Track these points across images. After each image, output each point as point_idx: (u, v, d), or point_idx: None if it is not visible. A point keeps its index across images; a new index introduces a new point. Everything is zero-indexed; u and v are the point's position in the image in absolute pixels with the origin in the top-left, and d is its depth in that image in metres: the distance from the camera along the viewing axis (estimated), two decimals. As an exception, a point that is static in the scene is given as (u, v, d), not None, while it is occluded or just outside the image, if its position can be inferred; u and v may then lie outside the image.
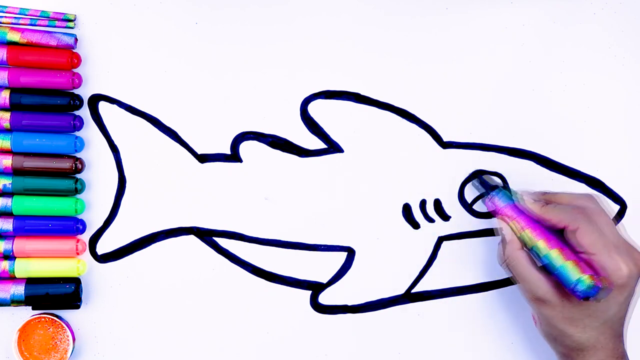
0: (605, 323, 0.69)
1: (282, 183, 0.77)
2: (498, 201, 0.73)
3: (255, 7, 0.77)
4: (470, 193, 0.78)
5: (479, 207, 0.78)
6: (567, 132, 0.78)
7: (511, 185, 0.77)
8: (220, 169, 0.77)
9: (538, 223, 0.71)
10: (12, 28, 0.74)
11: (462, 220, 0.78)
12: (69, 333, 0.75)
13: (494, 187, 0.74)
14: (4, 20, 0.74)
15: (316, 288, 0.78)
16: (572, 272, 0.67)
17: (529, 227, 0.70)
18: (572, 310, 0.69)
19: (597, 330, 0.69)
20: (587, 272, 0.67)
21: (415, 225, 0.78)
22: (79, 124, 0.75)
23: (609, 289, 0.67)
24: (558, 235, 0.70)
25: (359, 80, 0.77)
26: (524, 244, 0.71)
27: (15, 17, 0.74)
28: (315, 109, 0.77)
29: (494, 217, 0.74)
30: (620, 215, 0.79)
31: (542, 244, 0.69)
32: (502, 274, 0.78)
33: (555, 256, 0.68)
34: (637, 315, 0.77)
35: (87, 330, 0.76)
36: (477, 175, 0.77)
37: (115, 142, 0.76)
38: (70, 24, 0.75)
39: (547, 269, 0.69)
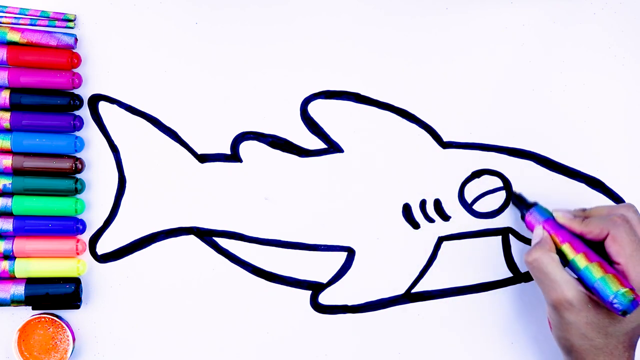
0: (627, 333, 0.69)
1: (282, 183, 0.77)
2: (536, 217, 0.73)
3: (255, 7, 0.77)
4: (471, 193, 0.78)
5: (479, 207, 0.78)
6: (567, 132, 0.78)
7: (513, 185, 0.78)
8: (220, 169, 0.77)
9: (577, 238, 0.71)
10: (12, 28, 0.74)
11: (462, 220, 0.78)
12: (69, 333, 0.75)
13: (533, 204, 0.74)
14: (4, 20, 0.74)
15: (316, 288, 0.78)
16: (613, 285, 0.67)
17: (567, 242, 0.70)
18: (598, 317, 0.68)
19: (617, 339, 0.69)
20: (627, 286, 0.67)
21: (415, 225, 0.78)
22: (79, 124, 0.75)
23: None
24: (596, 250, 0.70)
25: (359, 80, 0.77)
26: (561, 258, 0.70)
27: (15, 17, 0.74)
28: (315, 109, 0.77)
29: (531, 230, 0.73)
30: (620, 215, 0.79)
31: (581, 257, 0.69)
32: (503, 274, 0.78)
33: (595, 269, 0.68)
34: None
35: (87, 330, 0.76)
36: (515, 193, 0.77)
37: (115, 142, 0.76)
38: (70, 24, 0.75)
39: (584, 281, 0.69)
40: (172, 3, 0.76)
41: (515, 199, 0.77)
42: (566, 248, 0.70)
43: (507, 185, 0.78)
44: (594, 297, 0.68)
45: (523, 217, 0.75)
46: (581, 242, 0.70)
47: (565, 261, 0.70)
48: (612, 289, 0.67)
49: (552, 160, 0.78)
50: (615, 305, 0.66)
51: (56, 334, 0.75)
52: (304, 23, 0.77)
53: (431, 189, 0.78)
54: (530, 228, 0.74)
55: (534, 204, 0.75)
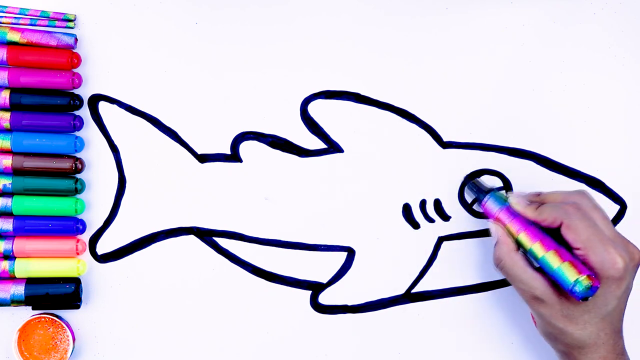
0: (604, 319, 0.69)
1: (282, 183, 0.77)
2: (491, 205, 0.73)
3: (255, 7, 0.77)
4: (471, 193, 0.78)
5: (478, 207, 0.78)
6: (567, 132, 0.78)
7: (512, 185, 0.78)
8: (220, 169, 0.77)
9: (533, 225, 0.71)
10: (12, 28, 0.74)
11: (462, 220, 0.78)
12: (69, 333, 0.75)
13: (488, 191, 0.74)
14: (4, 20, 0.74)
15: (316, 288, 0.78)
16: (570, 273, 0.67)
17: (523, 230, 0.70)
18: (571, 308, 0.69)
19: (597, 326, 0.69)
20: (584, 273, 0.67)
21: (415, 225, 0.78)
22: (79, 124, 0.75)
23: (612, 283, 0.67)
24: (553, 236, 0.70)
25: (359, 80, 0.77)
26: (519, 247, 0.71)
27: (15, 17, 0.74)
28: (315, 109, 0.77)
29: (490, 218, 0.73)
30: (620, 215, 0.79)
31: (537, 247, 0.69)
32: (502, 274, 0.78)
33: (552, 258, 0.68)
34: (636, 313, 0.77)
35: (87, 330, 0.76)
36: (470, 180, 0.77)
37: (115, 142, 0.76)
38: (70, 24, 0.75)
39: (545, 271, 0.69)
40: (172, 3, 0.76)
41: (471, 186, 0.76)
42: (522, 237, 0.70)
43: (507, 185, 0.78)
44: (562, 289, 0.68)
45: (479, 204, 0.74)
46: (537, 229, 0.70)
47: (523, 250, 0.70)
48: (569, 277, 0.67)
49: (552, 160, 0.78)
50: (575, 293, 0.67)
51: (56, 334, 0.75)
52: (304, 23, 0.77)
53: (431, 189, 0.78)
54: (488, 215, 0.73)
55: (490, 191, 0.74)
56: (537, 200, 0.72)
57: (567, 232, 0.69)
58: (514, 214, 0.71)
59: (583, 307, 0.68)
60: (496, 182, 0.77)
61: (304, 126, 0.77)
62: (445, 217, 0.78)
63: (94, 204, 0.76)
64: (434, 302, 0.78)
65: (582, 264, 0.68)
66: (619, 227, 0.78)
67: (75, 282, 0.75)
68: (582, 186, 0.78)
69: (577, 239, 0.68)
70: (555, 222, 0.70)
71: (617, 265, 0.67)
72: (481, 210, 0.77)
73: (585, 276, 0.67)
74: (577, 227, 0.68)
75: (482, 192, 0.75)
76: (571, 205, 0.70)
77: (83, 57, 0.75)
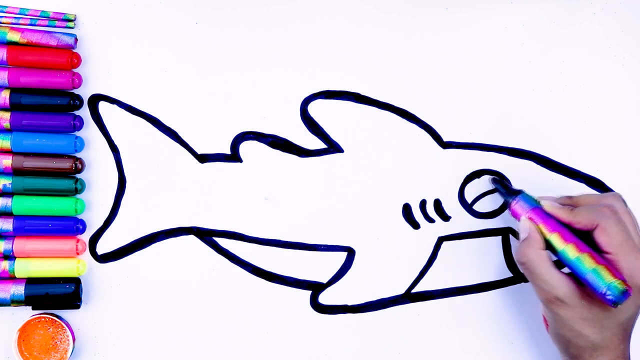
0: (621, 325, 0.69)
1: (282, 183, 0.77)
2: (522, 205, 0.72)
3: (255, 7, 0.77)
4: (471, 193, 0.78)
5: (479, 207, 0.78)
6: (567, 132, 0.78)
7: (512, 185, 0.78)
8: (220, 169, 0.77)
9: (565, 227, 0.70)
10: (12, 28, 0.74)
11: (462, 220, 0.78)
12: (69, 333, 0.75)
13: (518, 192, 0.74)
14: (4, 20, 0.74)
15: (316, 288, 0.78)
16: (604, 276, 0.67)
17: (557, 231, 0.70)
18: (591, 311, 0.68)
19: (613, 331, 0.69)
20: (618, 277, 0.67)
21: (415, 225, 0.78)
22: (79, 124, 0.75)
23: (636, 293, 0.67)
24: (583, 239, 0.70)
25: (359, 80, 0.77)
26: (548, 248, 0.70)
27: (15, 17, 0.74)
28: (315, 109, 0.77)
29: (517, 220, 0.73)
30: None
31: (571, 247, 0.69)
32: (503, 274, 0.78)
33: (586, 259, 0.68)
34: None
35: (87, 330, 0.76)
36: (495, 178, 0.77)
37: (115, 142, 0.76)
38: (70, 24, 0.75)
39: (575, 273, 0.69)
40: (172, 3, 0.76)
41: (499, 186, 0.76)
42: (555, 238, 0.70)
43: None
44: (586, 292, 0.68)
45: (508, 206, 0.74)
46: (569, 231, 0.70)
47: (553, 251, 0.70)
48: (604, 280, 0.67)
49: (552, 160, 0.78)
50: (608, 297, 0.66)
51: (56, 334, 0.75)
52: (303, 23, 0.77)
53: (431, 189, 0.78)
54: (516, 217, 0.73)
55: (520, 192, 0.74)
56: (569, 202, 0.72)
57: (600, 235, 0.69)
58: (546, 216, 0.71)
59: (604, 312, 0.68)
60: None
61: (304, 126, 0.77)
62: (445, 217, 0.78)
63: (94, 204, 0.76)
64: (434, 302, 0.78)
65: (614, 268, 0.68)
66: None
67: (75, 282, 0.75)
68: (582, 186, 0.78)
69: (610, 243, 0.68)
70: (589, 224, 0.69)
71: None
72: (483, 210, 0.78)
73: (620, 280, 0.66)
74: (611, 231, 0.68)
75: (511, 192, 0.74)
76: (607, 207, 0.69)
77: (83, 57, 0.75)
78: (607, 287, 0.66)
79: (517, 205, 0.73)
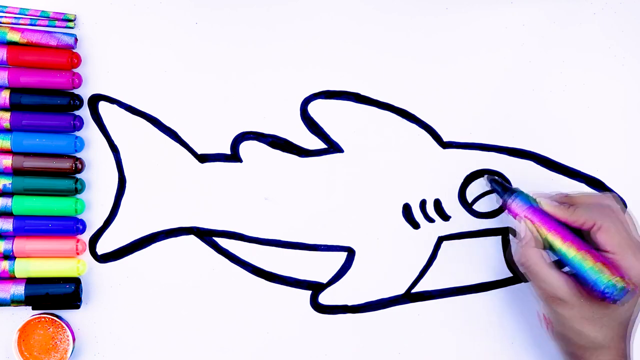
0: (622, 323, 0.69)
1: (282, 183, 0.77)
2: (519, 204, 0.72)
3: (255, 7, 0.77)
4: (471, 193, 0.78)
5: (479, 207, 0.78)
6: (567, 132, 0.78)
7: (512, 185, 0.78)
8: (220, 169, 0.77)
9: (563, 226, 0.70)
10: (12, 28, 0.74)
11: (462, 220, 0.78)
12: (69, 333, 0.75)
13: (514, 190, 0.74)
14: (4, 20, 0.74)
15: (316, 288, 0.78)
16: (604, 274, 0.67)
17: (554, 230, 0.70)
18: (592, 310, 0.68)
19: (613, 329, 0.69)
20: (617, 275, 0.67)
21: (415, 225, 0.78)
22: (79, 124, 0.75)
23: (634, 291, 0.67)
24: (581, 237, 0.70)
25: (359, 80, 0.77)
26: (547, 246, 0.70)
27: (15, 17, 0.74)
28: (315, 109, 0.77)
29: (514, 219, 0.73)
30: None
31: (570, 246, 0.69)
32: (503, 274, 0.78)
33: (585, 258, 0.68)
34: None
35: (87, 330, 0.76)
36: (491, 177, 0.76)
37: (115, 142, 0.76)
38: (70, 24, 0.75)
39: (574, 271, 0.69)
40: (172, 3, 0.76)
41: (495, 185, 0.75)
42: (552, 237, 0.70)
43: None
44: (585, 290, 0.68)
45: (505, 205, 0.74)
46: (567, 229, 0.70)
47: (552, 250, 0.70)
48: (603, 278, 0.67)
49: (552, 160, 0.78)
50: (608, 295, 0.66)
51: (56, 334, 0.75)
52: (304, 23, 0.77)
53: (431, 189, 0.78)
54: (513, 215, 0.73)
55: (516, 190, 0.73)
56: (566, 200, 0.72)
57: (600, 234, 0.69)
58: (543, 214, 0.71)
59: (604, 310, 0.68)
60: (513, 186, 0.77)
61: (304, 126, 0.77)
62: (445, 217, 0.78)
63: (94, 204, 0.76)
64: (434, 302, 0.78)
65: (613, 266, 0.68)
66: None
67: (75, 282, 0.75)
68: (582, 186, 0.78)
69: (609, 242, 0.68)
70: (587, 223, 0.69)
71: None
72: (483, 210, 0.78)
73: (619, 277, 0.66)
74: (611, 230, 0.68)
75: (507, 191, 0.74)
76: (606, 207, 0.70)
77: (83, 57, 0.75)
78: (606, 284, 0.66)
79: (514, 204, 0.73)
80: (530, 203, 0.72)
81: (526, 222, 0.71)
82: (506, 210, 0.74)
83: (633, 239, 0.69)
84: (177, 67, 0.76)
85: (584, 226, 0.70)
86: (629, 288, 0.66)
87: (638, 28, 0.79)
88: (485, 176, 0.77)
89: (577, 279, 0.69)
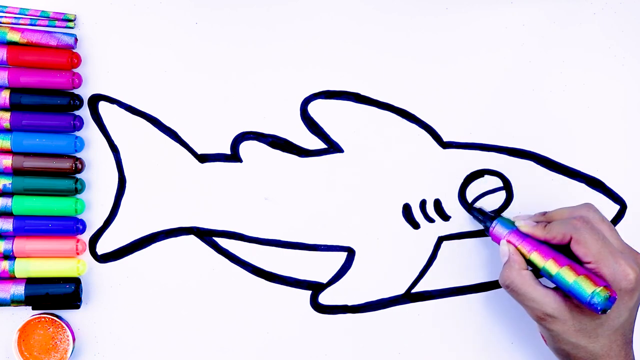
0: (617, 331, 0.69)
1: (282, 183, 0.77)
2: (499, 230, 0.73)
3: (255, 7, 0.77)
4: (471, 193, 0.78)
5: (478, 207, 0.78)
6: (567, 132, 0.78)
7: (512, 185, 0.78)
8: (220, 169, 0.77)
9: (543, 244, 0.70)
10: (12, 28, 0.74)
11: (462, 220, 0.78)
12: (69, 333, 0.75)
13: (494, 217, 0.74)
14: (4, 20, 0.74)
15: (316, 288, 0.78)
16: (586, 286, 0.67)
17: (535, 250, 0.70)
18: (584, 322, 0.68)
19: (609, 338, 0.69)
20: (600, 284, 0.67)
21: (415, 225, 0.78)
22: (79, 124, 0.75)
23: (625, 296, 0.68)
24: (564, 253, 0.70)
25: (359, 80, 0.77)
26: (532, 267, 0.70)
27: (15, 17, 0.74)
28: (315, 109, 0.77)
29: (498, 244, 0.73)
30: (620, 215, 0.79)
31: (551, 264, 0.69)
32: (502, 274, 0.78)
33: (567, 273, 0.68)
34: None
35: (87, 330, 0.76)
36: (473, 208, 0.77)
37: (115, 142, 0.76)
38: (70, 24, 0.75)
39: (559, 287, 0.69)
40: (172, 3, 0.76)
41: (476, 213, 0.76)
42: (534, 257, 0.70)
43: (507, 185, 0.78)
44: (574, 304, 0.68)
45: (488, 232, 0.75)
46: (548, 247, 0.70)
47: (536, 269, 0.70)
48: (587, 290, 0.67)
49: (552, 160, 0.78)
50: (595, 305, 0.66)
51: (56, 334, 0.75)
52: (304, 23, 0.77)
53: (431, 189, 0.78)
54: (496, 241, 0.74)
55: (497, 216, 0.74)
56: (543, 219, 0.72)
57: (577, 247, 0.69)
58: (523, 236, 0.71)
59: (596, 320, 0.68)
60: (490, 212, 0.77)
61: (304, 126, 0.77)
62: (445, 217, 0.78)
63: (94, 204, 0.76)
64: (434, 302, 0.78)
65: (595, 276, 0.68)
66: (619, 227, 0.78)
67: (75, 282, 0.75)
68: (582, 186, 0.78)
69: (587, 253, 0.68)
70: (564, 238, 0.69)
71: (629, 277, 0.67)
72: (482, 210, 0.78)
73: (602, 287, 0.66)
74: (586, 241, 0.68)
75: (488, 219, 0.75)
76: (578, 219, 0.70)
77: (83, 57, 0.75)
78: (590, 296, 0.66)
79: (495, 229, 0.74)
80: (510, 227, 0.73)
81: (508, 246, 0.72)
82: (490, 237, 0.75)
83: (610, 246, 0.68)
84: (177, 67, 0.76)
85: (560, 241, 0.70)
86: (615, 296, 0.66)
87: (638, 28, 0.79)
88: (471, 212, 0.77)
89: (565, 294, 0.69)
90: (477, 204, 0.78)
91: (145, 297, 0.77)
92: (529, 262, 0.71)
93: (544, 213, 0.73)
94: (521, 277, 0.70)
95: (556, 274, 0.69)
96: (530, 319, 0.75)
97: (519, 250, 0.71)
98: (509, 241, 0.72)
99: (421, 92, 0.78)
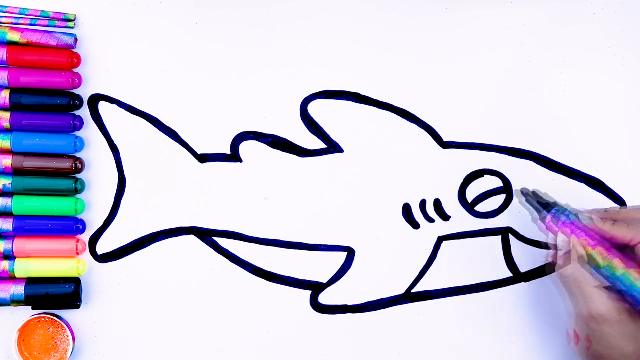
0: None
1: (282, 183, 0.77)
2: (560, 219, 0.71)
3: (255, 7, 0.77)
4: (471, 193, 0.78)
5: (479, 207, 0.78)
6: (567, 132, 0.78)
7: (512, 185, 0.78)
8: (220, 169, 0.77)
9: (606, 241, 0.69)
10: (12, 28, 0.74)
11: (462, 220, 0.78)
12: (69, 333, 0.75)
13: (553, 204, 0.72)
14: (4, 20, 0.74)
15: (316, 288, 0.78)
16: None
17: (600, 246, 0.69)
18: (630, 326, 0.68)
19: None
20: None
21: (415, 225, 0.78)
22: (79, 124, 0.75)
23: None
24: (624, 253, 0.69)
25: (359, 80, 0.77)
26: (590, 263, 0.69)
27: (15, 17, 0.74)
28: (315, 109, 0.77)
29: (555, 235, 0.71)
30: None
31: (618, 263, 0.68)
32: (503, 274, 0.78)
33: (634, 275, 0.67)
34: None
35: (87, 330, 0.76)
36: (527, 192, 0.74)
37: (115, 142, 0.76)
38: (70, 24, 0.75)
39: (617, 288, 0.68)
40: (172, 3, 0.76)
41: (529, 199, 0.73)
42: (598, 253, 0.69)
43: (507, 185, 0.78)
44: (625, 307, 0.68)
45: (541, 219, 0.72)
46: (611, 246, 0.69)
47: (595, 266, 0.69)
48: None
49: (552, 160, 0.78)
50: None
51: (56, 334, 0.75)
52: (304, 23, 0.77)
53: (431, 189, 0.78)
54: (553, 232, 0.71)
55: (554, 205, 0.72)
56: (606, 216, 0.71)
57: None
58: (586, 230, 0.70)
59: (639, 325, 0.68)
60: (552, 199, 0.75)
61: (304, 126, 0.77)
62: (445, 217, 0.78)
63: (94, 204, 0.76)
64: (434, 302, 0.78)
65: None
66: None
67: (75, 282, 0.75)
68: (582, 186, 0.78)
69: None
70: (634, 240, 0.68)
71: None
72: (483, 210, 0.77)
73: None
74: None
75: (546, 205, 0.72)
76: None
77: (83, 57, 0.75)
78: None
79: (553, 218, 0.71)
80: (572, 219, 0.70)
81: (572, 238, 0.70)
82: (542, 225, 0.72)
83: None
84: (177, 67, 0.76)
85: (630, 242, 0.69)
86: None
87: (638, 28, 0.79)
88: (521, 190, 0.74)
89: (620, 295, 0.68)
90: (526, 190, 0.74)
91: (145, 297, 0.77)
92: (590, 258, 0.69)
93: (606, 210, 0.71)
94: (581, 271, 0.69)
95: (622, 274, 0.68)
96: (530, 319, 0.75)
97: (581, 244, 0.69)
98: (568, 232, 0.70)
99: (421, 92, 0.78)
